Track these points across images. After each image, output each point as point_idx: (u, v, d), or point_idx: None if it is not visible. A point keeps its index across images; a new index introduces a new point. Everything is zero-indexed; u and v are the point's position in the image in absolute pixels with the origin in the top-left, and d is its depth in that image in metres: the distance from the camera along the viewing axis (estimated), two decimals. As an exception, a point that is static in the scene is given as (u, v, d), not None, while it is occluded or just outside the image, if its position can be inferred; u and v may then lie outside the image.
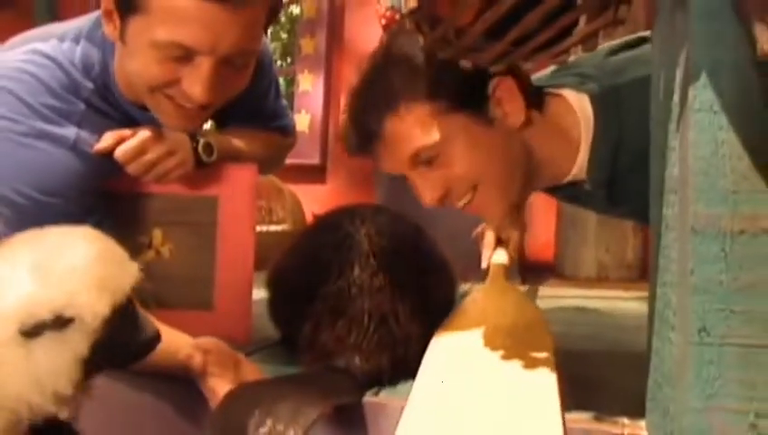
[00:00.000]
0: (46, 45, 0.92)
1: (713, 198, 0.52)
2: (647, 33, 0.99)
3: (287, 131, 1.19)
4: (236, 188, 1.05)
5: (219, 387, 0.71)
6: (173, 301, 0.98)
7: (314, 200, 2.75)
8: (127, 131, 0.93)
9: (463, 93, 0.83)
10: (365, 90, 0.86)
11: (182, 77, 0.84)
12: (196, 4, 0.78)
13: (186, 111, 0.89)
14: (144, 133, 0.92)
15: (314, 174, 3.04)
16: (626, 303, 1.77)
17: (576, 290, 2.11)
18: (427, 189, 0.85)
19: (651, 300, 0.66)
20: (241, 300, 1.05)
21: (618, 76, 0.91)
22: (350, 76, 3.25)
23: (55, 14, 2.87)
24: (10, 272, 0.53)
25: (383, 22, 2.93)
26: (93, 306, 0.53)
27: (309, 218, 2.70)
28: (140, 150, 0.92)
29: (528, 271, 2.48)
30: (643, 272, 2.53)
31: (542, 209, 2.57)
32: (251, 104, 1.02)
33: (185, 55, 0.82)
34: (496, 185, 0.86)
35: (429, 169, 0.84)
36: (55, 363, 0.53)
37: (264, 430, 0.64)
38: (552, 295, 1.92)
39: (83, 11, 1.13)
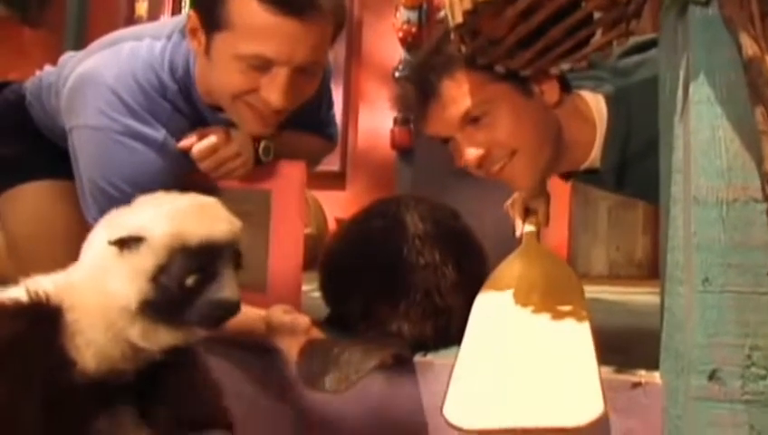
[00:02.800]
0: (142, 45, 1.03)
1: (711, 173, 0.64)
2: (652, 36, 1.13)
3: (332, 138, 1.33)
4: (288, 183, 1.16)
5: (295, 344, 0.83)
6: None
7: (335, 206, 2.87)
8: (206, 131, 1.04)
9: None
10: (425, 59, 0.99)
11: (261, 86, 0.95)
12: (276, 20, 0.90)
13: (262, 116, 1.00)
14: (218, 135, 1.04)
15: (334, 180, 3.15)
16: (636, 296, 1.86)
17: (588, 287, 2.20)
18: (472, 149, 0.95)
19: (663, 265, 0.79)
20: (292, 283, 1.16)
21: (627, 78, 1.04)
22: (367, 87, 3.39)
23: (84, 34, 2.99)
24: (130, 211, 0.67)
25: (400, 35, 3.04)
26: (159, 231, 0.63)
27: (331, 223, 2.82)
28: (214, 150, 1.04)
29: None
30: (652, 270, 2.62)
31: (555, 211, 2.64)
32: (307, 112, 1.14)
33: (264, 66, 0.93)
34: (531, 153, 0.96)
35: (475, 130, 0.95)
36: (124, 272, 0.62)
37: (333, 375, 0.76)
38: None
39: (112, 28, 1.25)
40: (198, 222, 0.65)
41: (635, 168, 0.99)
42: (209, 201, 0.69)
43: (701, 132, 0.65)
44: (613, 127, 0.99)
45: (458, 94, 0.94)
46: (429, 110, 0.97)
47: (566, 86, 1.00)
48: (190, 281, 0.63)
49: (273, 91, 0.94)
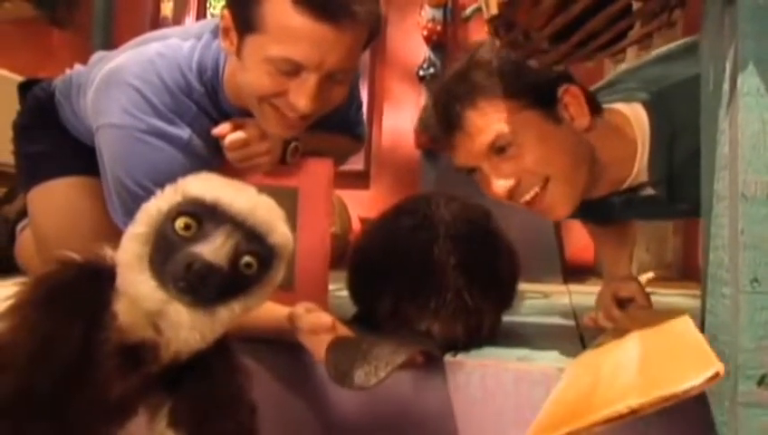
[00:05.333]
0: (168, 45, 1.03)
1: (760, 167, 0.61)
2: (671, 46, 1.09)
3: (361, 138, 1.33)
4: (315, 181, 1.16)
5: (321, 342, 0.82)
6: None
7: (359, 205, 2.86)
8: (241, 122, 1.04)
9: (535, 94, 0.92)
10: (449, 87, 0.95)
11: (289, 90, 0.94)
12: (309, 25, 0.88)
13: (288, 120, 0.99)
14: (252, 130, 1.04)
15: (359, 180, 3.15)
16: (667, 298, 1.83)
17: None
18: (500, 179, 0.92)
19: (705, 266, 0.76)
20: (319, 281, 1.15)
21: (662, 82, 1.01)
22: (392, 86, 3.40)
23: (111, 34, 3.03)
24: None
25: (424, 33, 3.03)
26: (163, 199, 0.62)
27: (355, 222, 2.81)
28: (245, 143, 1.04)
29: (569, 272, 2.55)
30: (683, 271, 2.58)
31: (582, 211, 2.63)
32: (337, 113, 1.13)
33: (293, 70, 0.92)
34: (565, 178, 0.92)
35: (502, 160, 0.92)
36: (142, 220, 0.61)
37: (362, 370, 0.74)
38: (594, 292, 1.99)
39: (138, 29, 1.25)
40: (218, 185, 0.63)
41: (685, 177, 0.95)
42: (245, 185, 0.66)
43: (750, 126, 0.62)
44: (657, 129, 0.96)
45: (483, 124, 0.91)
46: (454, 140, 0.94)
47: (596, 108, 0.97)
48: (180, 224, 0.60)
49: (301, 97, 0.93)
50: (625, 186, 1.02)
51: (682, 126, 0.94)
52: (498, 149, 0.92)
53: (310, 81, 0.93)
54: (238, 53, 0.96)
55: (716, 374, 0.55)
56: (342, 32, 0.90)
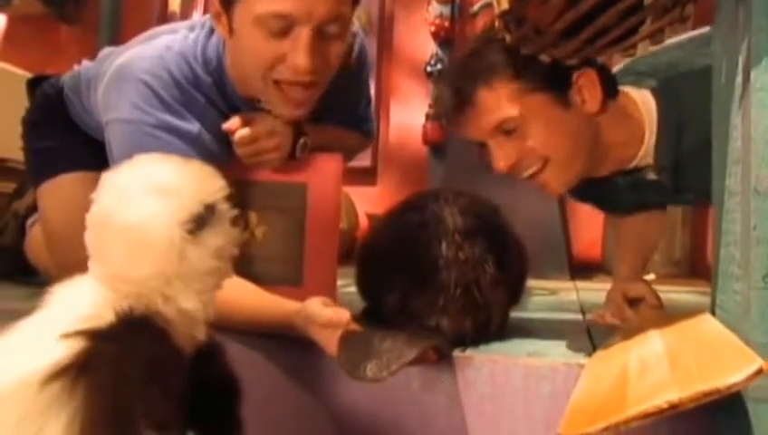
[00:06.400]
0: (176, 38, 1.04)
1: (773, 163, 0.61)
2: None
3: (369, 134, 1.34)
4: (324, 176, 1.16)
5: (333, 337, 0.82)
6: (266, 277, 1.07)
7: (366, 201, 2.86)
8: (252, 117, 1.05)
9: (548, 78, 0.94)
10: (464, 63, 0.98)
11: (286, 52, 0.94)
12: None
13: (294, 99, 1.00)
14: (262, 125, 1.04)
15: (366, 176, 3.14)
16: (676, 295, 1.82)
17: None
18: (502, 157, 0.97)
19: (715, 262, 0.75)
20: (327, 277, 1.15)
21: (671, 70, 1.01)
22: (399, 82, 3.39)
23: (118, 31, 3.04)
24: None
25: (432, 29, 3.02)
26: None
27: (362, 218, 2.81)
28: (254, 139, 1.04)
29: (577, 268, 2.54)
30: (690, 269, 2.56)
31: (588, 207, 2.63)
32: (346, 108, 1.13)
33: (285, 27, 0.92)
34: (563, 163, 0.97)
35: (507, 139, 0.96)
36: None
37: (374, 363, 0.75)
38: (601, 289, 1.99)
39: (145, 24, 1.26)
40: None
41: (691, 166, 0.97)
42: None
43: (763, 121, 0.61)
44: (664, 116, 0.97)
45: (494, 104, 0.95)
46: (464, 115, 0.98)
47: (613, 90, 0.98)
48: None
49: (299, 54, 0.93)
50: (631, 166, 1.04)
51: (689, 116, 0.96)
52: (504, 131, 0.95)
53: (303, 35, 0.93)
54: (231, 32, 0.97)
55: (760, 370, 0.54)
56: None
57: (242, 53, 0.99)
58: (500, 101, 0.94)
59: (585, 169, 1.00)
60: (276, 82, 0.99)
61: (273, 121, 1.06)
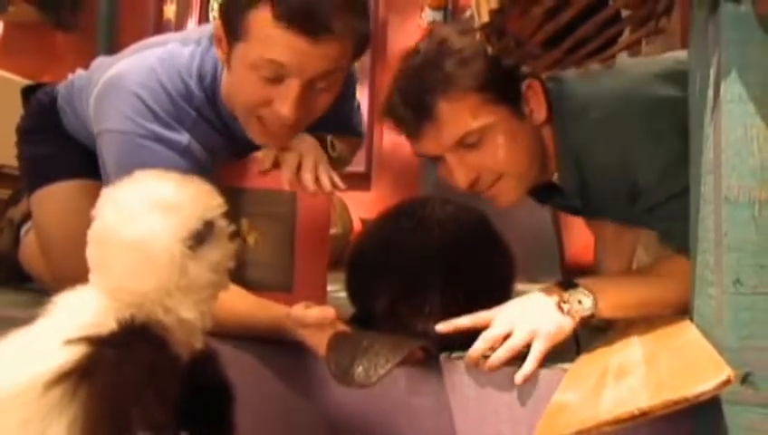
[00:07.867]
0: (169, 51, 1.06)
1: (743, 172, 0.63)
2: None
3: (361, 135, 1.39)
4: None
5: (323, 339, 0.84)
6: (257, 283, 1.09)
7: (360, 206, 2.87)
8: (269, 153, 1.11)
9: (503, 89, 0.93)
10: (420, 73, 0.93)
11: (274, 98, 0.96)
12: (288, 37, 0.90)
13: (272, 132, 1.02)
14: (290, 161, 1.09)
15: (360, 181, 3.16)
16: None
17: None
18: (463, 172, 0.94)
19: (693, 268, 0.77)
20: (317, 283, 1.17)
21: (568, 100, 0.97)
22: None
23: (115, 38, 3.05)
24: None
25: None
26: None
27: (356, 224, 2.83)
28: (293, 172, 1.09)
29: (570, 272, 2.56)
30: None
31: (582, 212, 2.64)
32: (341, 118, 1.17)
33: (277, 76, 0.94)
34: (517, 177, 0.96)
35: (468, 153, 0.93)
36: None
37: (363, 367, 0.76)
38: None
39: (141, 31, 1.27)
40: None
41: (599, 194, 0.99)
42: None
43: (733, 131, 0.64)
44: (559, 144, 0.98)
45: (454, 118, 0.91)
46: (422, 129, 0.94)
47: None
48: None
49: (285, 104, 0.95)
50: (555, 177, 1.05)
51: (583, 147, 0.96)
52: (466, 145, 0.93)
53: (292, 86, 0.94)
54: (228, 62, 0.99)
55: (728, 380, 0.56)
56: (322, 46, 0.92)
57: (233, 86, 1.01)
58: (461, 115, 0.91)
59: (536, 178, 1.00)
60: (259, 117, 1.01)
61: (294, 143, 1.09)
